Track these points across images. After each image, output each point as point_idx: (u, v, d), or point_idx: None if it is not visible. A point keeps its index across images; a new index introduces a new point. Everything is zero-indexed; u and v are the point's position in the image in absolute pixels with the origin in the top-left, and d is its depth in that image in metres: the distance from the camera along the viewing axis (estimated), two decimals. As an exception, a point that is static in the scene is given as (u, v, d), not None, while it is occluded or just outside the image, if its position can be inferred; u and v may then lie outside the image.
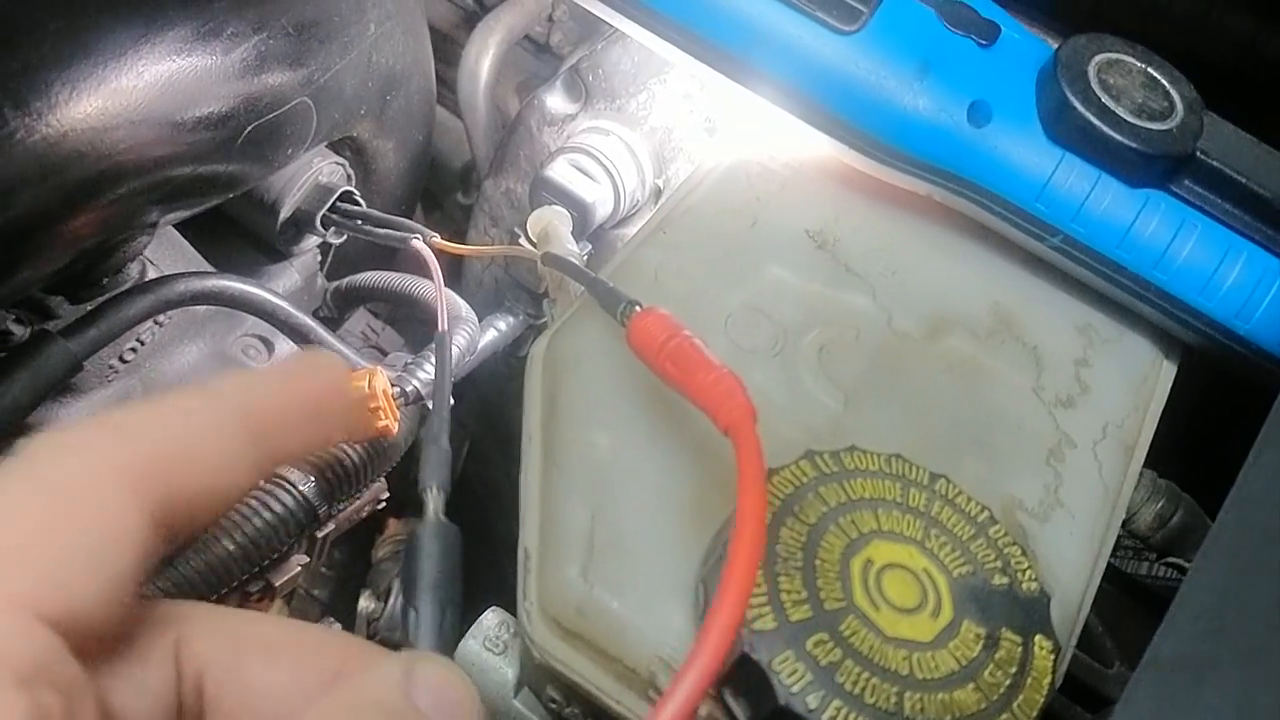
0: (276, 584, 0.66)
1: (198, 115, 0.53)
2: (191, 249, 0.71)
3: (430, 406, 0.64)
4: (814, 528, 0.41)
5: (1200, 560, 0.41)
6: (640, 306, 0.46)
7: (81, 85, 0.47)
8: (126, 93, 0.49)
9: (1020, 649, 0.40)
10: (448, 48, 1.02)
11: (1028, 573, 0.43)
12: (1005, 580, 0.42)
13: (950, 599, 0.41)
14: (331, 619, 0.79)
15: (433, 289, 0.69)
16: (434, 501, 0.40)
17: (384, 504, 0.70)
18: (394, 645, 0.36)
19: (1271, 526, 0.40)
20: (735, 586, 0.32)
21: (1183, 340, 0.57)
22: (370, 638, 0.76)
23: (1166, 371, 0.57)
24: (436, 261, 0.64)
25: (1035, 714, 0.39)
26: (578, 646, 0.42)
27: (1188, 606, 0.39)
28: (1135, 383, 0.55)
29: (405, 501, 0.86)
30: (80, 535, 0.26)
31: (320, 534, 0.65)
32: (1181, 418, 0.57)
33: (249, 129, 0.57)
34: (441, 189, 1.08)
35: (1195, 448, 0.58)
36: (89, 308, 0.57)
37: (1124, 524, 0.55)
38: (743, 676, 0.39)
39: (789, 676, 0.37)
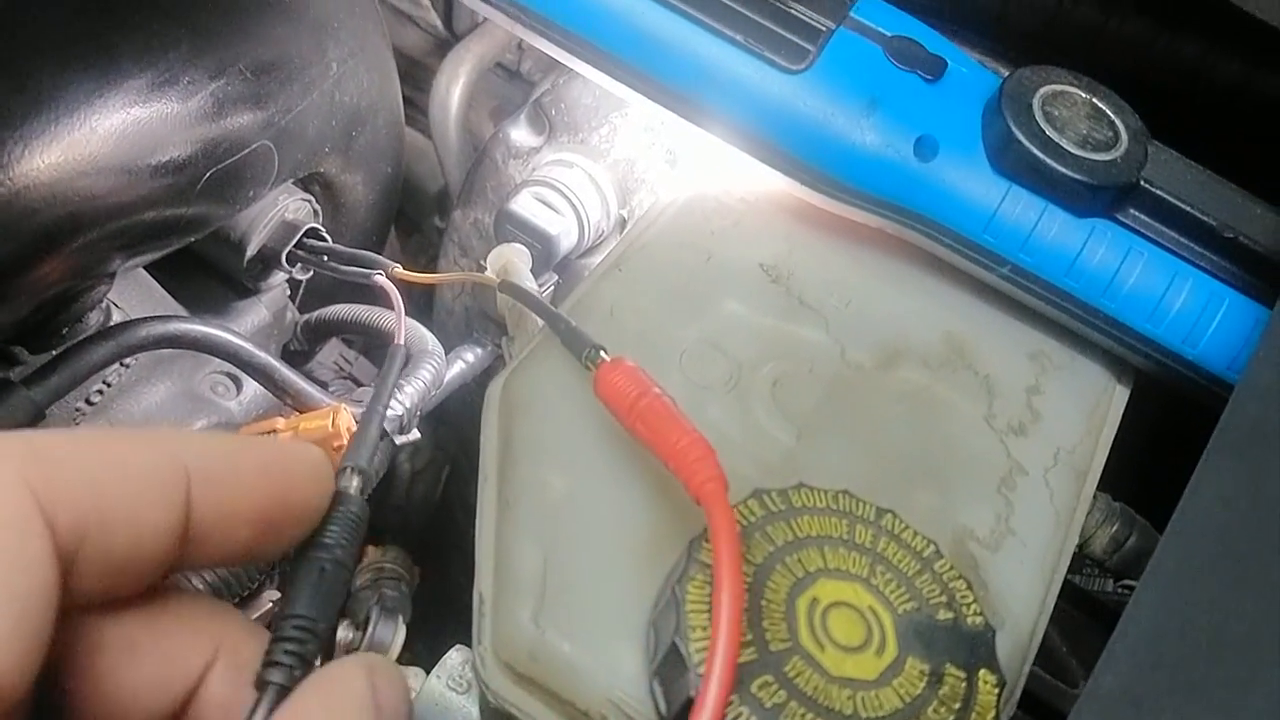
0: (249, 621, 0.67)
1: (155, 163, 0.54)
2: (160, 288, 0.71)
3: (397, 443, 0.64)
4: (760, 568, 0.42)
5: (1139, 592, 0.41)
6: (605, 353, 0.47)
7: (35, 141, 0.48)
8: (81, 145, 0.50)
9: (964, 684, 0.41)
10: (420, 75, 1.03)
11: (973, 606, 0.43)
12: (950, 615, 0.43)
13: (894, 636, 0.41)
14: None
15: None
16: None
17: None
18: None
19: (1209, 557, 0.41)
20: (722, 664, 0.35)
21: (1134, 365, 0.58)
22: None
23: (1119, 396, 0.57)
24: (398, 291, 0.65)
25: (979, 749, 0.40)
26: (531, 690, 0.43)
27: (1127, 638, 0.40)
28: (1087, 409, 0.56)
29: (382, 529, 0.87)
30: None
31: (291, 569, 0.66)
32: (1138, 441, 0.57)
33: (208, 174, 0.58)
34: (420, 212, 1.09)
35: (1151, 471, 0.59)
36: (53, 354, 0.58)
37: (1079, 548, 0.56)
38: None
39: None
